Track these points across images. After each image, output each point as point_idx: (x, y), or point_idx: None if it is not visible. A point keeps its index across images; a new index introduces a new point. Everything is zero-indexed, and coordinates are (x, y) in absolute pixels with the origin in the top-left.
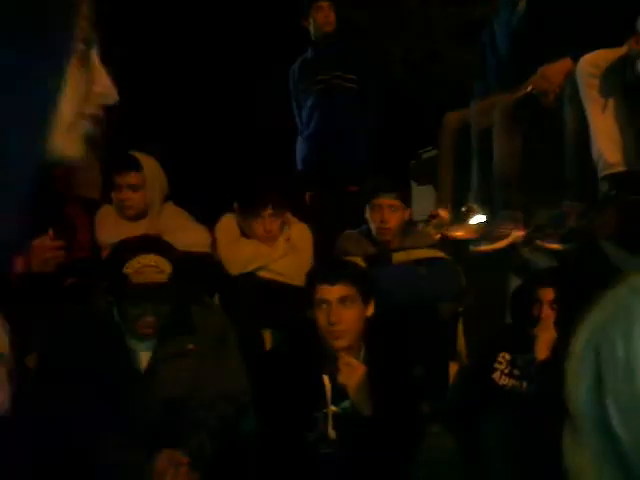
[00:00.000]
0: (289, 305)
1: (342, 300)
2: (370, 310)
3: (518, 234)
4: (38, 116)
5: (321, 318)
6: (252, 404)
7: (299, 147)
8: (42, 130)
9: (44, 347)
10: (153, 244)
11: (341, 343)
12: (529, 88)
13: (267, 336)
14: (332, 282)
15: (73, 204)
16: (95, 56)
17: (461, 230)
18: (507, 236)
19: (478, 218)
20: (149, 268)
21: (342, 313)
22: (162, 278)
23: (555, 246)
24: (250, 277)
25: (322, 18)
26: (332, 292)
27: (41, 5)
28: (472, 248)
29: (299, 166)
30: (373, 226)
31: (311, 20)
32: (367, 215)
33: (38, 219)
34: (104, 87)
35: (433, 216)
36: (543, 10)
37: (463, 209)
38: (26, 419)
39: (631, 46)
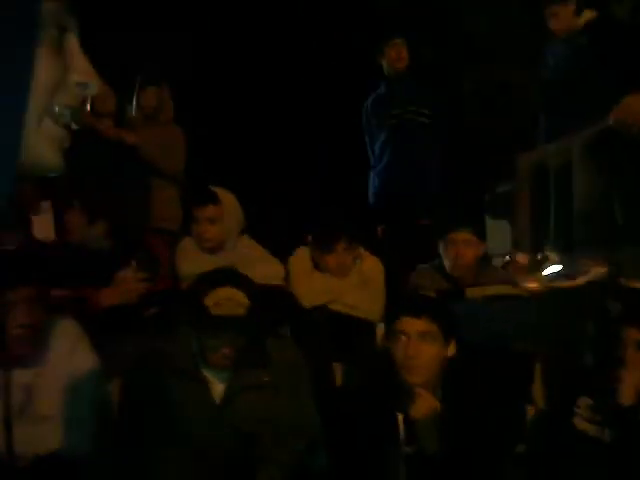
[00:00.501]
0: (361, 339)
1: (423, 335)
2: (451, 350)
3: (599, 270)
4: (6, 116)
5: (398, 350)
6: (323, 440)
7: (371, 181)
8: (11, 134)
9: (126, 377)
10: (233, 277)
11: (416, 379)
12: (611, 121)
13: (338, 369)
14: (416, 315)
15: (154, 236)
16: (73, 41)
17: (535, 282)
18: (587, 272)
19: (554, 267)
20: (228, 301)
21: (421, 348)
22: (240, 311)
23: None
24: (322, 310)
25: (395, 54)
26: (414, 325)
27: None
28: (550, 284)
29: (371, 200)
30: (447, 261)
31: (385, 56)
32: (441, 250)
33: (122, 251)
34: (83, 75)
35: (510, 262)
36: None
37: (539, 257)
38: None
39: None
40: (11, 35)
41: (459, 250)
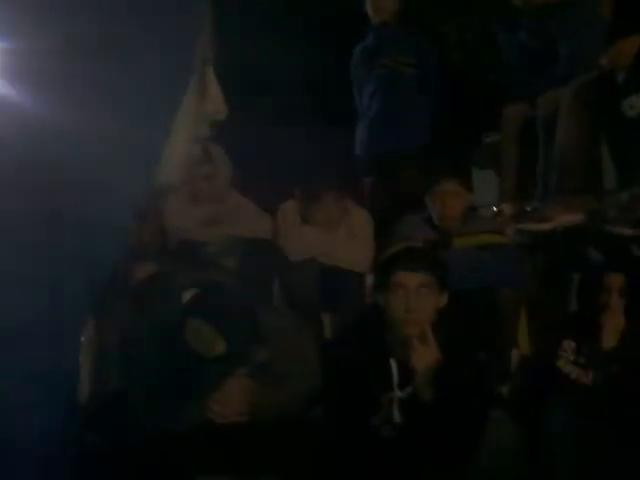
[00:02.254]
0: (350, 290)
1: (420, 288)
2: (443, 300)
3: (568, 218)
4: (151, 145)
5: (396, 304)
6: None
7: (359, 133)
8: (152, 160)
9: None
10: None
11: (414, 331)
12: (604, 62)
13: (327, 320)
14: (414, 269)
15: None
16: (211, 74)
17: (518, 234)
18: (551, 219)
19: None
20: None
21: (420, 301)
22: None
23: (625, 231)
24: (310, 262)
25: (381, 4)
26: (413, 279)
27: (167, 23)
28: (518, 227)
29: (358, 152)
30: (435, 212)
31: (371, 4)
32: (428, 201)
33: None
34: (216, 104)
35: (498, 212)
36: None
37: (528, 209)
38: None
39: None
40: (172, 64)
41: (446, 201)
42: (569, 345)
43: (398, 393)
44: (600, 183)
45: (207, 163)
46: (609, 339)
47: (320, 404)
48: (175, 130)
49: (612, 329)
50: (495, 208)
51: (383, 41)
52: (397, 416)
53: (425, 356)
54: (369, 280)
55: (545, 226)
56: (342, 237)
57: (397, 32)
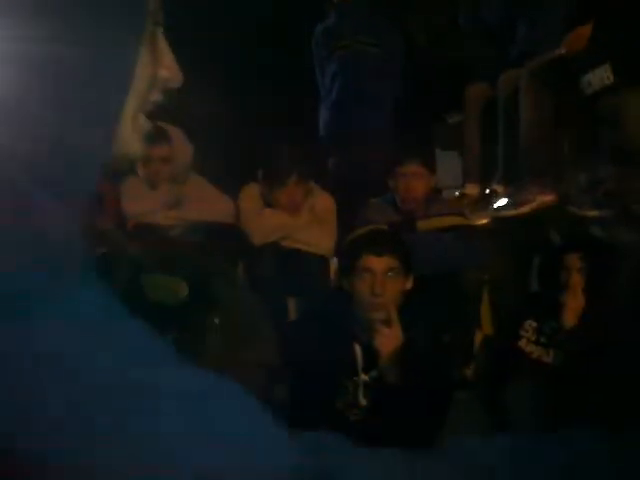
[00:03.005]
0: (313, 274)
1: (387, 272)
2: (409, 283)
3: (544, 199)
4: (109, 110)
5: (362, 288)
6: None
7: (322, 114)
8: (111, 125)
9: None
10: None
11: (380, 315)
12: (563, 50)
13: (291, 304)
14: (380, 253)
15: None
16: (161, 37)
17: (484, 217)
18: (531, 202)
19: (502, 201)
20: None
21: (386, 285)
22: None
23: (590, 213)
24: (274, 247)
25: None
26: (379, 263)
27: None
28: (495, 214)
29: (322, 133)
30: (398, 195)
31: None
32: (391, 183)
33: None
34: (170, 70)
35: (462, 194)
36: None
37: (487, 191)
38: None
39: None
40: (120, 31)
41: (409, 183)
42: (530, 325)
43: (363, 377)
44: (560, 165)
45: (164, 144)
46: (570, 319)
47: (281, 386)
48: (128, 101)
49: (572, 309)
50: (458, 192)
51: (345, 21)
52: (362, 400)
53: (389, 339)
54: (333, 264)
55: (524, 209)
56: (305, 220)
57: (359, 12)
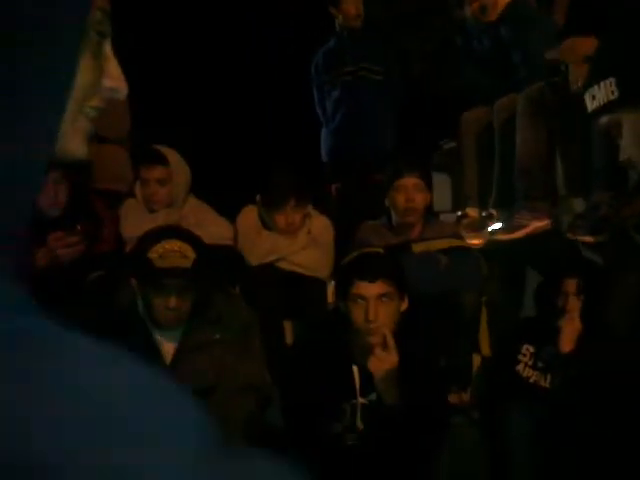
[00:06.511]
0: (310, 297)
1: (380, 297)
2: (404, 305)
3: (538, 225)
4: (50, 110)
5: (356, 313)
6: (275, 396)
7: (324, 139)
8: (53, 126)
9: None
10: (177, 231)
11: (376, 339)
12: (553, 55)
13: (288, 327)
14: (372, 279)
15: (99, 197)
16: (108, 47)
17: (479, 239)
18: (525, 226)
19: (498, 224)
20: (173, 253)
21: (380, 310)
22: (186, 263)
23: (587, 239)
24: (270, 268)
25: (355, 10)
26: (371, 289)
27: None
28: (490, 237)
29: (324, 158)
30: (396, 209)
31: (341, 10)
32: (389, 201)
33: (67, 212)
34: (115, 80)
35: (463, 216)
36: None
37: (483, 214)
38: None
39: None
40: (59, 39)
41: (408, 194)
42: (528, 349)
43: (361, 400)
44: (555, 189)
45: (161, 166)
46: (567, 343)
47: (272, 410)
48: (68, 107)
49: (569, 334)
50: (459, 213)
51: (349, 47)
52: (360, 424)
53: (384, 362)
54: (331, 287)
55: (518, 234)
56: (302, 243)
57: (363, 38)
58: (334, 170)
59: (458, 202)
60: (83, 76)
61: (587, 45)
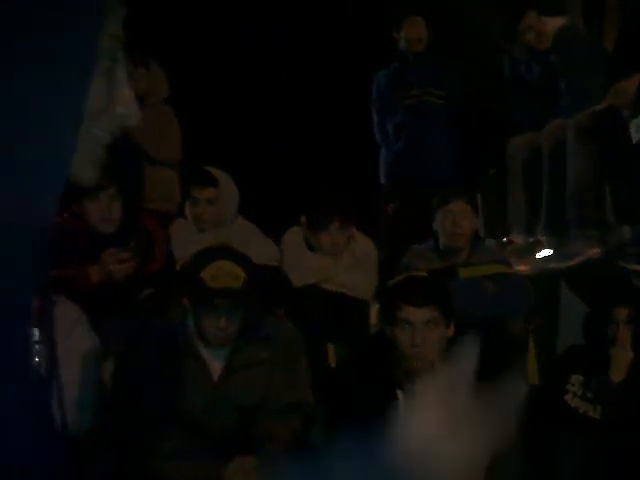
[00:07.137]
0: (353, 318)
1: (427, 323)
2: (450, 331)
3: (592, 252)
4: (61, 133)
5: (402, 338)
6: (321, 416)
7: (384, 160)
8: (65, 148)
9: (119, 359)
10: (229, 252)
11: (423, 364)
12: (606, 104)
13: (330, 349)
14: (419, 305)
15: (150, 216)
16: (122, 72)
17: (527, 265)
18: (579, 254)
19: (546, 251)
20: (225, 274)
21: (426, 335)
22: (237, 284)
23: (638, 267)
24: (314, 289)
25: (417, 34)
26: (419, 315)
27: (60, 23)
28: (542, 265)
29: (383, 179)
30: (444, 233)
31: (403, 33)
32: (436, 224)
33: (120, 231)
34: (127, 107)
35: (509, 242)
36: None
37: (531, 240)
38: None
39: None
40: (72, 66)
41: (456, 219)
42: (577, 379)
43: None
44: (606, 217)
45: (211, 186)
46: (618, 373)
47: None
48: (81, 130)
49: (620, 363)
50: (505, 239)
51: (414, 71)
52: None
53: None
54: (374, 309)
55: (572, 262)
56: (346, 264)
57: (426, 63)
58: (393, 191)
59: (490, 228)
60: (94, 100)
61: (633, 85)
